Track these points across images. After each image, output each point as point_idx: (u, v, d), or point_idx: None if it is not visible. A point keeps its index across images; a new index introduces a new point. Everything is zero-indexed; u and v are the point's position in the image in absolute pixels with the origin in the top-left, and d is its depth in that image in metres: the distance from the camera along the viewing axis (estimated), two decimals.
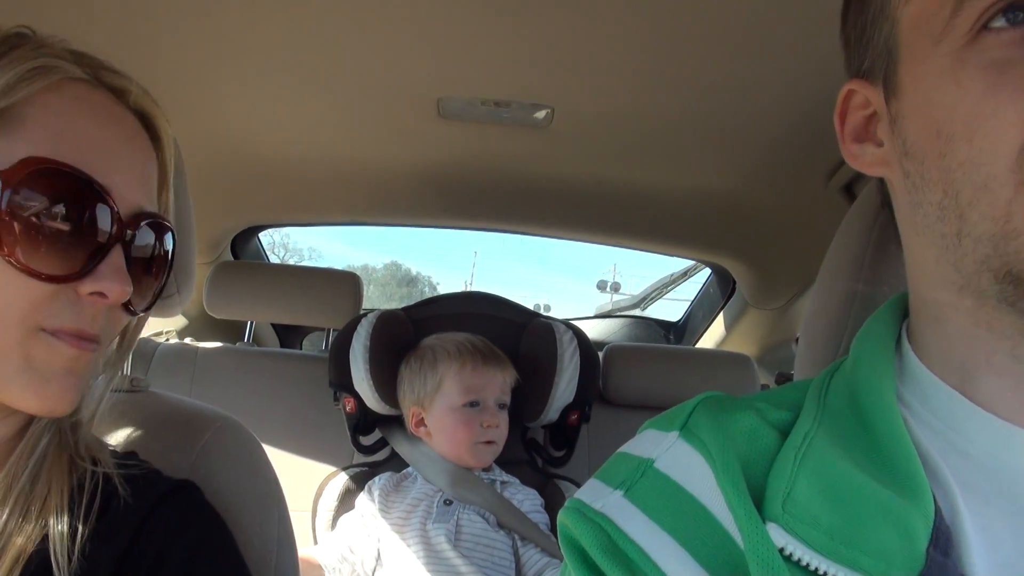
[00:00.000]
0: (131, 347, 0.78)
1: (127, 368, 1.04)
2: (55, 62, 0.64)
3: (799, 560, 0.51)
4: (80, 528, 0.66)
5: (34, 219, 0.60)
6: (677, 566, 0.54)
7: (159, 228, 0.71)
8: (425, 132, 1.75)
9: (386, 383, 1.85)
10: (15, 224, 0.59)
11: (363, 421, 1.93)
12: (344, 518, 1.77)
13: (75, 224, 0.62)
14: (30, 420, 0.70)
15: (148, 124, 0.73)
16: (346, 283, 2.29)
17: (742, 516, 0.53)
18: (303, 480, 1.96)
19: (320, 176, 2.11)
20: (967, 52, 0.50)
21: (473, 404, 1.74)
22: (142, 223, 0.68)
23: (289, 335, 3.00)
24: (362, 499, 1.77)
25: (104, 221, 0.64)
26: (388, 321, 1.92)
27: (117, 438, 0.87)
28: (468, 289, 2.12)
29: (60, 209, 0.61)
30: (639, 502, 0.58)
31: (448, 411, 1.75)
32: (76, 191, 0.62)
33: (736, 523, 0.54)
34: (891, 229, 0.66)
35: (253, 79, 1.55)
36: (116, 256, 0.64)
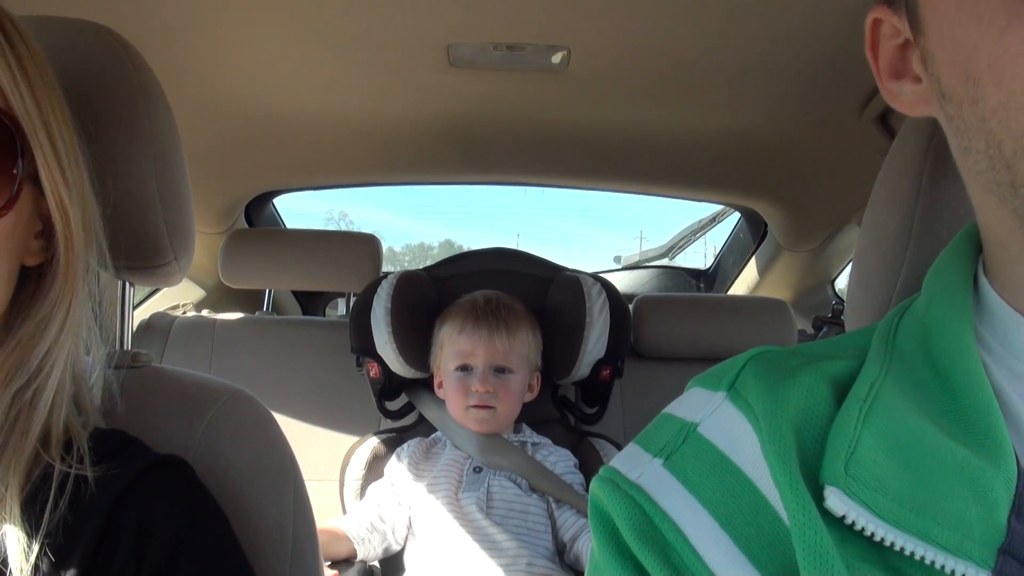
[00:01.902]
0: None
1: (128, 343, 0.98)
2: None
3: (862, 529, 0.44)
4: (44, 521, 0.62)
5: None
6: (717, 553, 0.48)
7: None
8: (436, 82, 1.67)
9: (409, 346, 1.79)
10: None
11: (388, 386, 1.87)
12: (373, 486, 1.72)
13: None
14: None
15: None
16: (364, 245, 2.22)
17: (789, 496, 0.47)
18: (329, 449, 1.93)
19: (331, 136, 2.04)
20: None
21: (464, 368, 1.69)
22: None
23: (311, 303, 2.95)
24: (391, 465, 1.73)
25: None
26: (409, 282, 1.86)
27: (117, 417, 0.80)
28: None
29: None
30: (679, 472, 0.53)
31: (446, 375, 1.72)
32: None
33: (783, 502, 0.47)
34: (945, 154, 0.58)
35: (256, 36, 1.48)
36: None
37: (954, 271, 0.54)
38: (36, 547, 0.60)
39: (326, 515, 1.69)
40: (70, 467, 0.64)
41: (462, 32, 1.45)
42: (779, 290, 2.58)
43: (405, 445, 1.76)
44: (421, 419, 1.87)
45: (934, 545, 0.43)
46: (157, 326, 2.22)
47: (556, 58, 1.52)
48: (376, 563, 1.68)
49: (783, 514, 0.47)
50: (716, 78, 1.60)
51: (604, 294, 1.78)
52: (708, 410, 0.55)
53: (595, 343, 1.74)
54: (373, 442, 1.82)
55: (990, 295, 0.52)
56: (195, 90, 1.69)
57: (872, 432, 0.47)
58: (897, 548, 0.43)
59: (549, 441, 1.75)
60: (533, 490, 1.62)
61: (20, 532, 0.61)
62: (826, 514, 0.45)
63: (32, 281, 0.69)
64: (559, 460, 1.69)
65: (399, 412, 1.91)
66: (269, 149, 2.11)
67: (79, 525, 0.62)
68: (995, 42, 0.41)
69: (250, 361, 2.16)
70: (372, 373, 1.86)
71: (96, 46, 0.82)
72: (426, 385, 1.85)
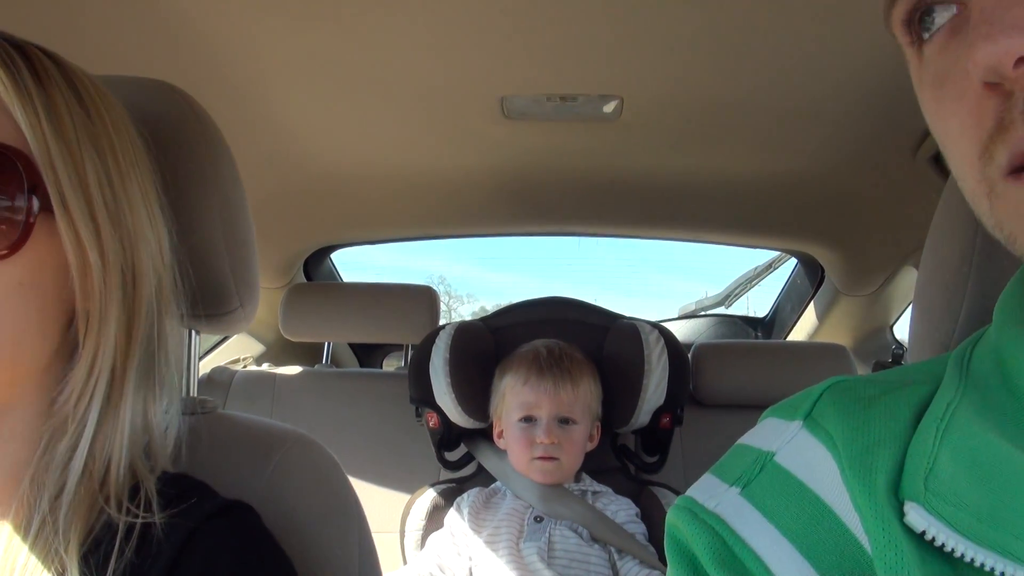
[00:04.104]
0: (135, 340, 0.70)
1: (194, 390, 1.00)
2: None
3: (942, 545, 0.44)
4: (110, 569, 0.63)
5: None
6: None
7: None
8: (490, 134, 1.71)
9: (468, 395, 1.80)
10: None
11: (447, 436, 1.88)
12: (433, 536, 1.72)
13: None
14: (35, 447, 0.67)
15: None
16: (422, 297, 2.26)
17: (870, 519, 0.47)
18: (390, 500, 1.94)
19: (387, 190, 2.09)
20: (921, 68, 0.50)
21: (528, 419, 1.68)
22: None
23: (368, 355, 2.99)
24: (451, 516, 1.72)
25: None
26: (466, 332, 1.87)
27: (185, 461, 0.83)
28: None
29: None
30: (757, 501, 0.53)
31: (509, 426, 1.71)
32: None
33: (863, 526, 0.47)
34: None
35: (315, 93, 1.53)
36: None
37: (1022, 295, 0.55)
38: None
39: (387, 566, 1.68)
40: (134, 517, 0.65)
41: (515, 85, 1.49)
42: (838, 336, 2.55)
43: (465, 495, 1.76)
44: (480, 469, 1.87)
45: (1012, 559, 0.43)
46: (218, 380, 2.27)
47: (608, 108, 1.54)
48: None
49: (863, 540, 0.48)
50: (769, 122, 1.61)
51: (662, 341, 1.77)
52: (784, 439, 0.56)
53: (654, 391, 1.73)
54: (432, 493, 1.82)
55: None
56: (257, 145, 1.74)
57: (949, 449, 0.47)
58: (977, 564, 0.43)
59: (610, 490, 1.73)
60: (595, 540, 1.60)
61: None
62: (905, 533, 0.45)
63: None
64: (620, 509, 1.67)
65: (458, 463, 1.91)
66: (328, 203, 2.16)
67: (145, 570, 0.63)
68: (934, 122, 0.48)
69: (311, 413, 2.19)
70: (431, 423, 1.87)
71: (165, 104, 0.85)
72: (485, 435, 1.85)
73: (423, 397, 1.85)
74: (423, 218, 2.34)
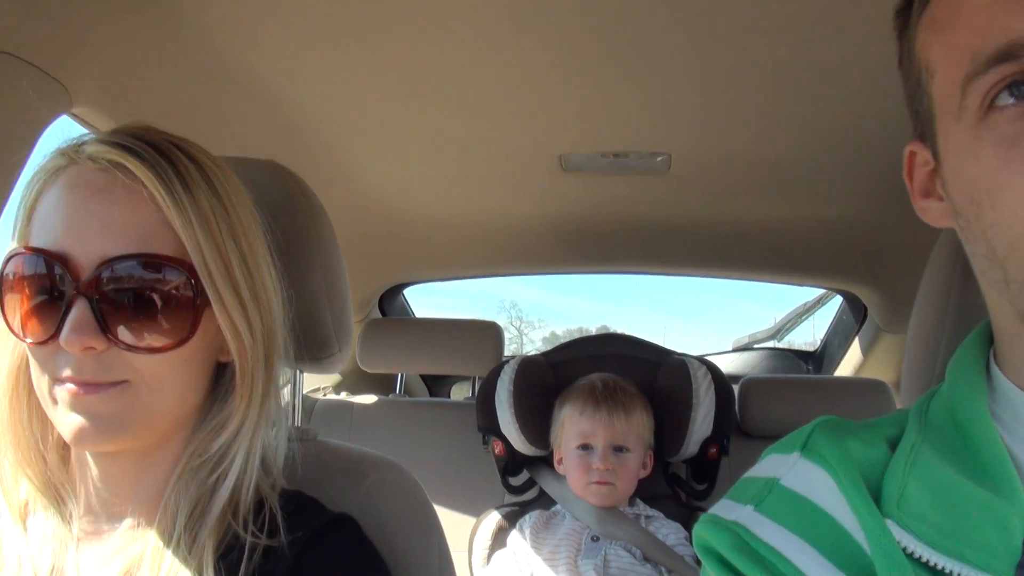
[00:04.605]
0: (255, 392, 0.81)
1: (299, 421, 1.15)
2: (51, 162, 0.76)
3: (912, 553, 0.57)
4: (241, 570, 0.74)
5: (20, 298, 0.73)
6: (810, 562, 0.60)
7: (145, 264, 0.73)
8: (550, 186, 1.86)
9: (531, 425, 1.93)
10: (11, 306, 0.74)
11: (511, 463, 2.02)
12: (498, 555, 1.86)
13: (43, 292, 0.72)
14: (170, 471, 0.80)
15: (151, 169, 0.73)
16: (487, 333, 2.40)
17: (865, 515, 0.59)
18: (458, 521, 2.06)
19: (456, 233, 2.25)
20: (981, 128, 0.57)
21: (585, 447, 1.80)
22: (108, 268, 0.71)
23: (437, 384, 3.14)
24: (514, 537, 1.86)
25: (62, 282, 0.71)
26: (529, 366, 2.01)
27: (291, 482, 0.96)
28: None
29: (31, 284, 0.72)
30: (769, 513, 0.65)
31: (567, 453, 1.84)
32: (35, 265, 0.72)
33: (860, 522, 0.60)
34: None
35: (393, 153, 1.70)
36: (77, 311, 0.70)
37: (969, 360, 0.68)
38: None
39: None
40: (256, 537, 0.76)
41: (573, 143, 1.64)
42: (882, 370, 2.60)
43: (527, 516, 1.89)
44: (542, 493, 2.00)
45: (967, 564, 0.55)
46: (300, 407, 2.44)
47: (658, 161, 1.68)
48: None
49: (860, 539, 0.60)
50: (811, 175, 1.72)
51: (709, 376, 1.89)
52: (787, 468, 0.68)
53: (702, 422, 1.85)
54: (497, 515, 1.95)
55: (1000, 379, 0.65)
56: (339, 195, 1.92)
57: (915, 479, 0.60)
58: (939, 567, 0.56)
59: (662, 515, 1.84)
60: (647, 559, 1.72)
61: None
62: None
63: (226, 377, 0.82)
64: (671, 532, 1.78)
65: (521, 487, 2.04)
66: (401, 246, 2.33)
67: (270, 573, 0.76)
68: (991, 177, 0.56)
69: (385, 440, 2.34)
70: (497, 451, 2.01)
71: (276, 183, 1.01)
72: (546, 462, 1.97)
73: (489, 426, 2.00)
74: (487, 259, 2.50)
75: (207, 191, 0.76)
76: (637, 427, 1.82)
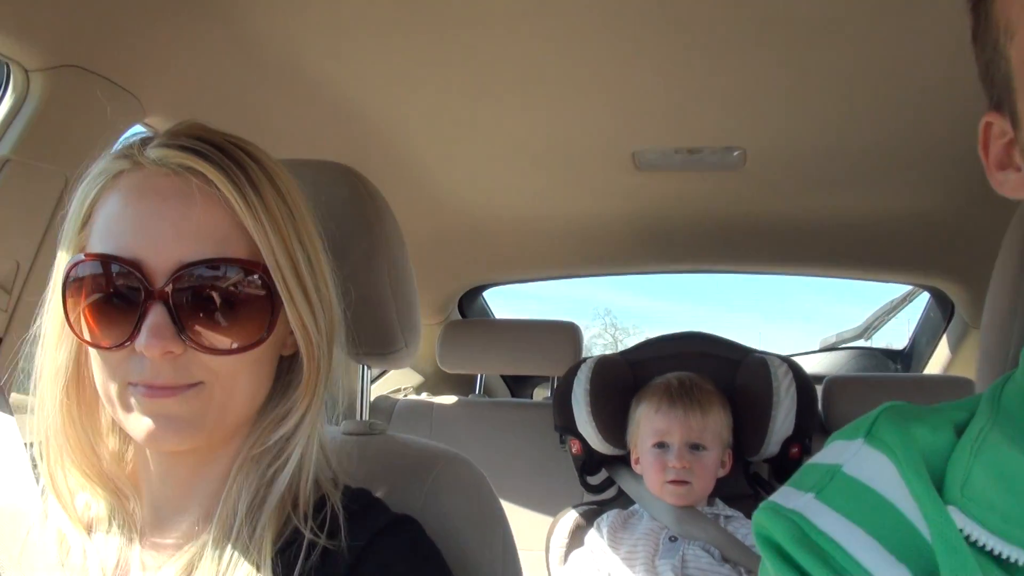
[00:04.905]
0: (313, 385, 0.81)
1: (366, 415, 1.17)
2: (111, 165, 0.76)
3: (976, 541, 0.55)
4: (298, 567, 0.74)
5: (89, 305, 0.73)
6: (870, 554, 0.58)
7: (221, 268, 0.74)
8: (624, 184, 1.85)
9: (608, 424, 1.93)
10: (78, 312, 0.74)
11: (589, 461, 2.01)
12: (575, 554, 1.86)
13: (115, 298, 0.73)
14: (230, 464, 0.81)
15: (221, 174, 0.74)
16: (565, 333, 2.41)
17: (927, 503, 0.57)
18: (536, 520, 2.07)
19: (532, 234, 2.27)
20: None
21: (660, 445, 1.79)
22: (185, 273, 0.72)
23: (519, 385, 3.16)
24: (591, 535, 1.85)
25: (136, 288, 0.71)
26: (606, 365, 2.00)
27: (356, 476, 0.96)
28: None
29: (100, 291, 0.73)
30: (830, 502, 0.63)
31: (644, 451, 1.82)
32: (105, 272, 0.73)
33: (921, 511, 0.58)
34: None
35: (468, 156, 1.72)
36: (154, 316, 0.70)
37: None
38: None
39: None
40: (316, 535, 0.75)
41: (646, 140, 1.63)
42: (971, 368, 2.52)
43: (604, 516, 1.89)
44: (620, 493, 1.99)
45: None
46: (381, 407, 2.49)
47: (734, 158, 1.66)
48: None
49: (922, 528, 0.58)
50: (892, 165, 1.68)
51: (791, 375, 1.85)
52: (850, 454, 0.66)
53: (783, 422, 1.81)
54: (574, 514, 1.95)
55: None
56: (416, 199, 1.96)
57: (981, 464, 0.58)
58: (1005, 557, 0.54)
59: (742, 515, 1.81)
60: (725, 560, 1.70)
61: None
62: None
63: (287, 371, 0.82)
64: (750, 533, 1.75)
65: (599, 486, 2.04)
66: (478, 248, 2.36)
67: (327, 573, 0.75)
68: None
69: (464, 439, 2.36)
70: (574, 450, 2.02)
71: (343, 184, 1.03)
72: (624, 461, 1.96)
73: (566, 425, 2.00)
74: (564, 260, 2.50)
75: (273, 193, 0.76)
76: (714, 425, 1.79)
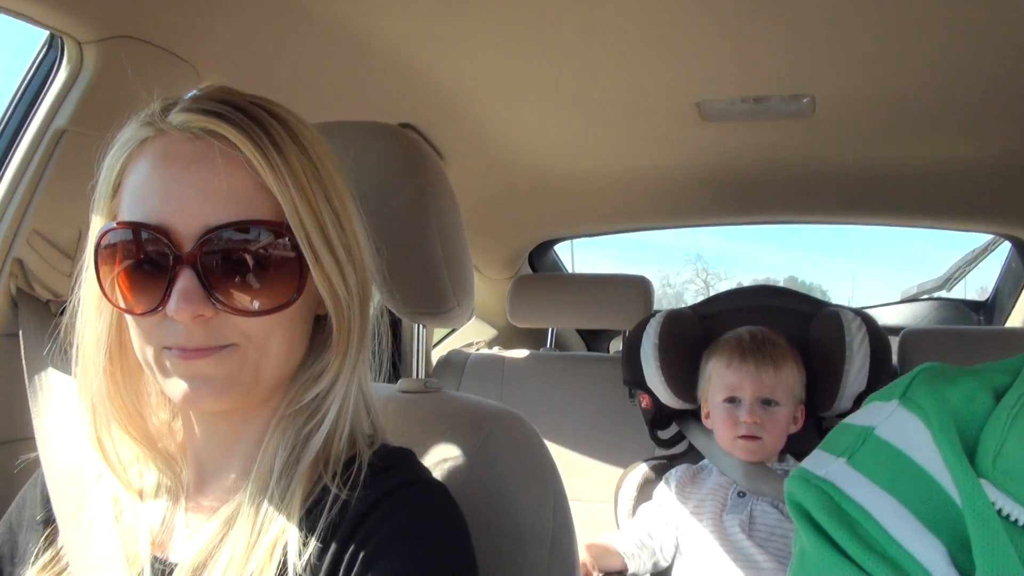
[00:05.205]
0: (350, 342, 0.81)
1: (422, 373, 1.18)
2: (136, 132, 0.76)
3: (1008, 515, 0.53)
4: (321, 522, 0.75)
5: (121, 272, 0.74)
6: (899, 523, 0.57)
7: (247, 230, 0.74)
8: (690, 135, 1.82)
9: (677, 378, 1.91)
10: (110, 279, 0.75)
11: (659, 416, 2.00)
12: (643, 507, 1.86)
13: (145, 264, 0.73)
14: (268, 422, 0.82)
15: (247, 139, 0.73)
16: (636, 287, 2.39)
17: (959, 473, 0.55)
18: (606, 473, 2.09)
19: (599, 189, 2.25)
20: None
21: (731, 400, 1.76)
22: (211, 236, 0.72)
23: (595, 339, 3.16)
24: (660, 490, 1.86)
25: (164, 254, 0.72)
26: (675, 319, 1.98)
27: (408, 434, 0.98)
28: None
29: (131, 257, 0.74)
30: (861, 468, 0.62)
31: (714, 406, 1.80)
32: (134, 238, 0.73)
33: (954, 481, 0.56)
34: None
35: (531, 108, 1.71)
36: (183, 281, 0.71)
37: None
38: (312, 544, 0.74)
39: (601, 532, 1.85)
40: (339, 490, 0.76)
41: (711, 90, 1.59)
42: None
43: (673, 471, 1.88)
44: (690, 448, 1.98)
45: None
46: (454, 361, 2.52)
47: (802, 105, 1.61)
48: None
49: (955, 495, 0.56)
50: (968, 109, 1.60)
51: (864, 328, 1.79)
52: (884, 416, 0.65)
53: (855, 377, 1.77)
54: (643, 468, 1.95)
55: None
56: (481, 156, 1.96)
57: (1016, 435, 0.56)
58: None
59: None
60: None
61: (299, 532, 0.75)
62: None
63: (322, 330, 0.83)
64: None
65: (670, 441, 2.03)
66: (545, 202, 2.35)
67: (340, 526, 0.76)
68: None
69: (535, 393, 2.38)
70: (644, 404, 2.01)
71: (390, 143, 1.03)
72: (695, 415, 1.95)
73: (635, 379, 1.99)
74: (631, 213, 2.48)
75: (297, 152, 0.76)
76: (786, 380, 1.76)
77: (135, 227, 0.73)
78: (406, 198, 1.00)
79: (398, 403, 1.06)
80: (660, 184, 2.19)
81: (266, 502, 0.77)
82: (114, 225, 0.75)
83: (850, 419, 0.69)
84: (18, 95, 1.26)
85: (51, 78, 1.23)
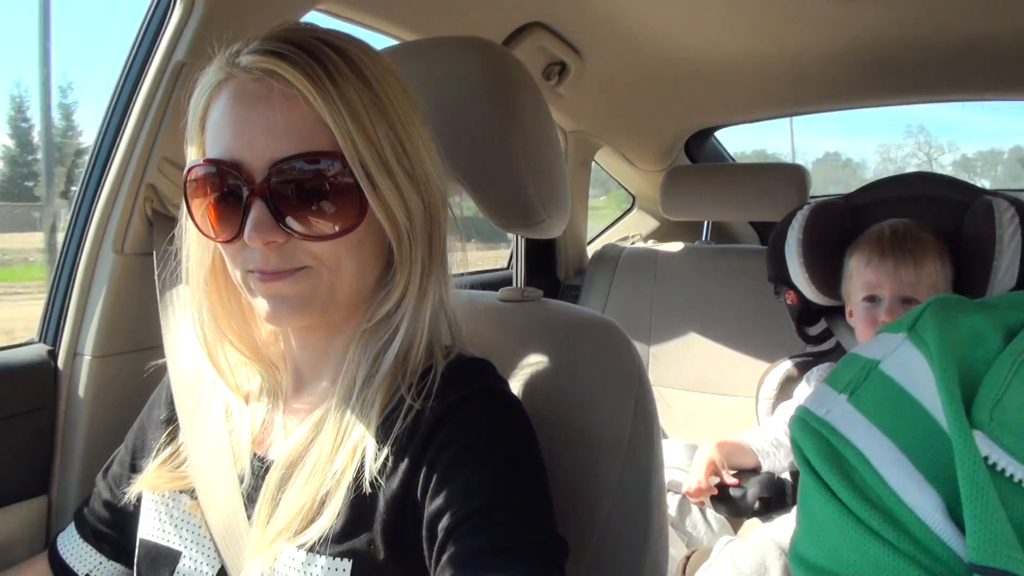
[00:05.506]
0: (420, 262, 0.86)
1: (521, 282, 1.21)
2: (213, 76, 0.81)
3: (1003, 471, 0.49)
4: (395, 430, 0.81)
5: (206, 204, 0.81)
6: (896, 471, 0.55)
7: (308, 161, 0.78)
8: (832, 15, 1.71)
9: (822, 274, 1.83)
10: (199, 211, 0.83)
11: (806, 312, 1.94)
12: (782, 406, 1.85)
13: (224, 197, 0.80)
14: (354, 342, 0.89)
15: (305, 76, 0.77)
16: (790, 176, 2.29)
17: (953, 426, 0.52)
18: (758, 369, 2.06)
19: (746, 74, 2.16)
20: None
21: (871, 299, 1.67)
22: (277, 169, 0.77)
23: (769, 230, 3.05)
24: (800, 388, 1.83)
25: (239, 186, 0.78)
26: (822, 212, 1.88)
27: (503, 342, 1.04)
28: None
29: (213, 190, 0.80)
30: (862, 406, 0.59)
31: (855, 305, 1.72)
32: (213, 173, 0.80)
33: (949, 433, 0.52)
34: None
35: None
36: (255, 211, 0.77)
37: None
38: (386, 451, 0.81)
39: (743, 428, 1.87)
40: (414, 400, 0.82)
41: None
42: None
43: (815, 369, 1.84)
44: (838, 344, 1.92)
45: None
46: (608, 255, 2.55)
47: None
48: (787, 476, 1.80)
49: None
50: None
51: (1017, 219, 1.64)
52: (890, 349, 0.60)
53: (1004, 273, 1.63)
54: (787, 365, 1.92)
55: None
56: (622, 49, 1.93)
57: (1021, 383, 0.51)
58: None
59: None
60: None
61: (376, 439, 0.81)
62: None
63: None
64: None
65: (818, 337, 1.97)
66: (690, 92, 2.29)
67: (414, 435, 0.81)
68: None
69: (686, 287, 2.38)
70: (789, 300, 1.95)
71: (472, 57, 1.04)
72: (841, 311, 1.88)
73: (779, 275, 1.93)
74: (782, 98, 2.36)
75: (356, 82, 0.79)
76: (928, 278, 1.65)
77: (213, 163, 0.80)
78: (489, 112, 1.01)
79: (498, 312, 1.11)
80: (808, 67, 2.06)
81: (349, 410, 0.84)
82: (200, 161, 0.82)
83: (859, 348, 0.65)
84: (141, 34, 1.37)
85: (168, 15, 1.32)
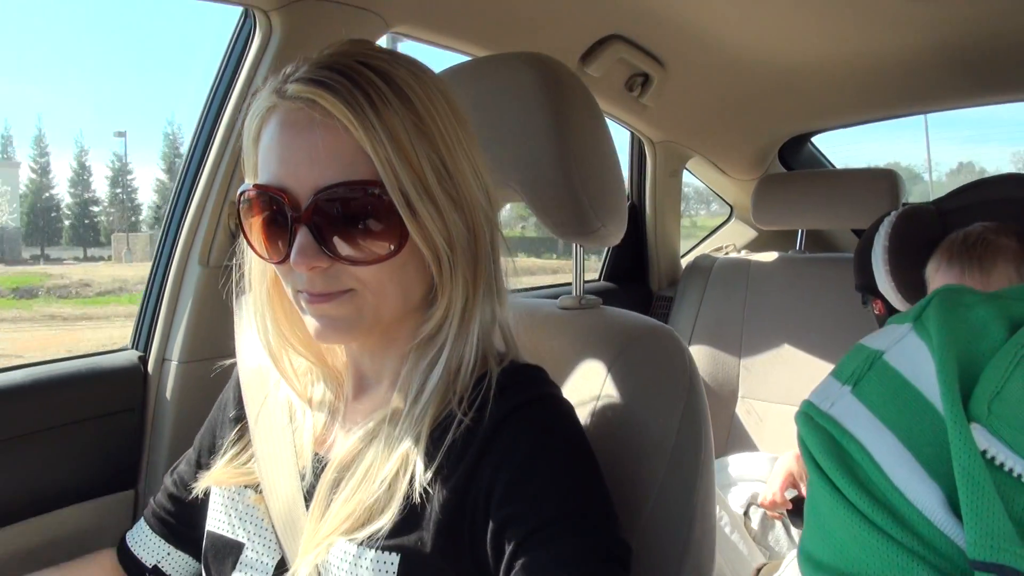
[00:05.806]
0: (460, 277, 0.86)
1: (580, 290, 1.23)
2: (264, 102, 0.84)
3: (1002, 465, 0.49)
4: (446, 442, 0.83)
5: (259, 227, 0.85)
6: (898, 467, 0.54)
7: (349, 189, 0.80)
8: (924, 14, 1.67)
9: (910, 284, 1.75)
10: (253, 233, 0.86)
11: None
12: None
13: (273, 222, 0.83)
14: (406, 360, 0.91)
15: (346, 104, 0.78)
16: (881, 182, 2.23)
17: (951, 421, 0.51)
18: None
19: (835, 79, 2.12)
20: None
21: None
22: (320, 197, 0.79)
23: None
24: None
25: (285, 213, 0.81)
26: (910, 218, 1.81)
27: (559, 349, 1.06)
28: None
29: (263, 215, 0.84)
30: (865, 398, 0.58)
31: None
32: (263, 199, 0.83)
33: (948, 428, 0.51)
34: None
35: (755, 6, 1.68)
36: (300, 237, 0.80)
37: None
38: (437, 461, 0.82)
39: None
40: (464, 414, 0.83)
41: None
42: None
43: None
44: None
45: None
46: (701, 266, 2.53)
47: None
48: None
49: None
50: None
51: None
52: (894, 340, 0.59)
53: None
54: None
55: None
56: (706, 58, 1.94)
57: (1022, 376, 0.50)
58: None
59: None
60: None
61: (425, 450, 0.83)
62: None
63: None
64: None
65: None
66: (777, 100, 2.26)
67: (468, 446, 0.82)
68: None
69: (779, 297, 2.33)
70: (877, 310, 1.89)
71: (527, 72, 1.07)
72: None
73: (866, 284, 1.87)
74: (870, 102, 2.30)
75: (399, 106, 0.80)
76: (997, 283, 1.57)
77: (263, 188, 0.83)
78: (544, 124, 1.04)
79: (557, 320, 1.14)
80: (896, 68, 2.00)
81: (402, 421, 0.87)
82: (251, 186, 0.85)
83: (864, 340, 0.64)
84: (225, 60, 1.47)
85: (249, 42, 1.42)
